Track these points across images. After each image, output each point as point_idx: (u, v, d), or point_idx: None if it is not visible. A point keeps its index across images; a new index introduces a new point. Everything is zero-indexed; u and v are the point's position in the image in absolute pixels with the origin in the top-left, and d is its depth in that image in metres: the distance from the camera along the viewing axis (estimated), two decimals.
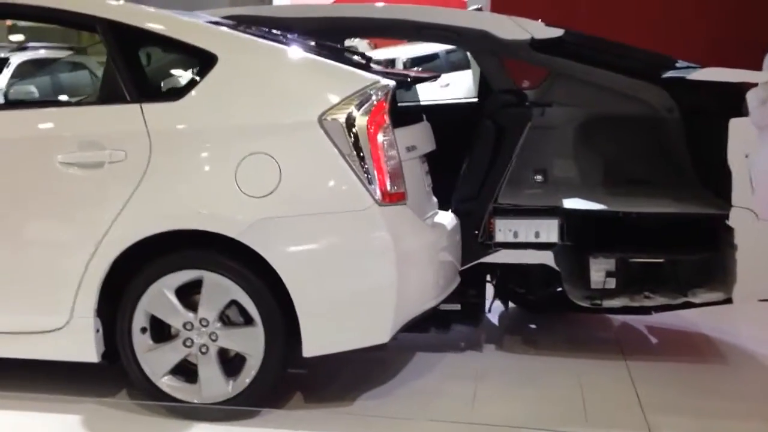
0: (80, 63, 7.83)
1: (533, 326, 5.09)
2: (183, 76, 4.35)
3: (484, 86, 5.29)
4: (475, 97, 5.49)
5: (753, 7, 6.95)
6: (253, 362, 3.62)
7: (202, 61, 3.70)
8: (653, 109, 4.93)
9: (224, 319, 3.66)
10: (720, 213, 4.16)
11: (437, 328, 4.47)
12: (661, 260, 4.43)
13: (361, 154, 3.50)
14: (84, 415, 3.77)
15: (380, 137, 3.55)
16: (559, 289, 4.45)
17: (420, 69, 11.11)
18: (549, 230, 4.39)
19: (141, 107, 3.62)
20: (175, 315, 3.65)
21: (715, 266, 4.36)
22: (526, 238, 4.41)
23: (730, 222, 4.10)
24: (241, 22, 4.28)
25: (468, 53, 6.62)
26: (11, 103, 4.75)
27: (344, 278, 3.57)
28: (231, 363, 3.69)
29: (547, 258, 4.38)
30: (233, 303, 3.62)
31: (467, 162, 4.54)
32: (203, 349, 3.64)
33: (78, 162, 3.62)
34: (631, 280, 4.44)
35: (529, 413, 3.82)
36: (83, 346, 3.68)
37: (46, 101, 5.23)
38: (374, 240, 3.56)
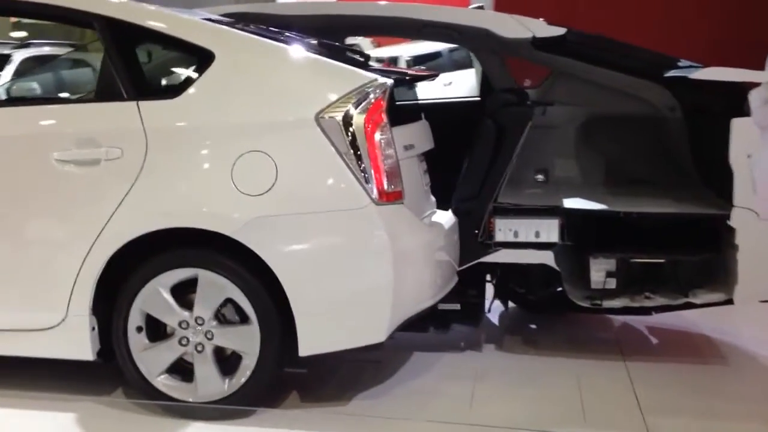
0: (83, 60, 7.84)
1: (533, 326, 5.07)
2: (180, 73, 4.33)
3: (485, 85, 5.27)
4: (477, 96, 5.46)
5: (755, 7, 6.92)
6: (248, 361, 3.61)
7: (200, 58, 3.69)
8: (655, 108, 4.91)
9: (220, 318, 3.65)
10: (721, 213, 4.13)
11: (436, 327, 4.45)
12: (661, 260, 4.41)
13: (358, 153, 3.49)
14: (79, 413, 3.76)
15: (377, 136, 3.53)
16: (560, 289, 4.43)
17: (422, 67, 11.10)
18: (549, 230, 4.36)
19: (137, 105, 3.61)
20: (171, 313, 3.64)
21: (717, 267, 4.33)
22: (527, 237, 4.38)
23: (732, 222, 4.07)
24: (241, 20, 4.27)
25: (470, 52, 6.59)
26: (8, 101, 4.75)
27: (340, 277, 3.55)
28: (227, 362, 3.68)
29: (547, 258, 4.36)
30: (229, 301, 3.61)
31: (468, 161, 4.52)
32: (199, 348, 3.63)
33: (74, 159, 3.61)
34: (632, 281, 4.41)
35: (527, 414, 3.80)
36: (78, 344, 3.68)
37: (43, 98, 5.21)
38: (371, 239, 3.54)
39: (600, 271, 4.37)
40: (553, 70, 5.09)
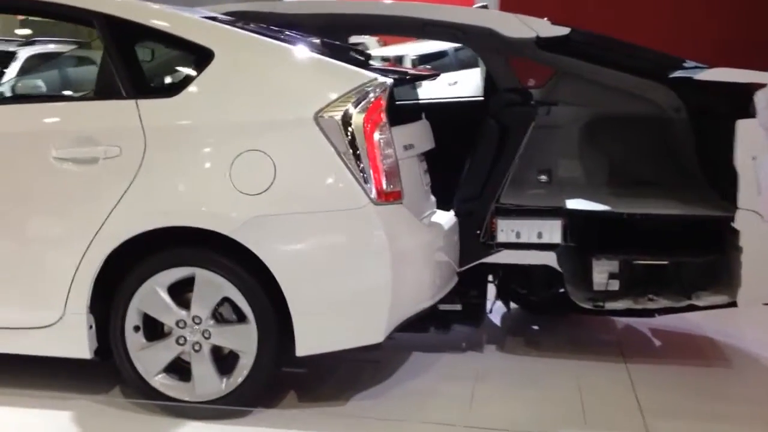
0: (82, 58, 7.84)
1: (535, 327, 5.04)
2: (179, 72, 4.32)
3: (489, 84, 5.24)
4: (481, 96, 5.43)
5: (762, 8, 6.87)
6: (246, 360, 3.60)
7: (199, 57, 3.68)
8: (660, 109, 4.87)
9: (217, 317, 3.64)
10: (725, 215, 4.10)
11: (437, 328, 4.43)
12: (665, 262, 4.38)
13: (357, 152, 3.47)
14: (76, 411, 3.76)
15: (377, 135, 3.51)
16: (562, 290, 4.40)
17: (428, 66, 11.05)
18: (552, 231, 4.33)
19: (136, 103, 3.60)
20: (168, 313, 3.63)
21: (720, 269, 4.30)
22: (529, 238, 4.35)
23: (736, 224, 4.03)
24: (242, 19, 4.25)
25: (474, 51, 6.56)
26: (7, 98, 4.75)
27: (338, 277, 3.53)
28: (225, 361, 3.67)
29: (549, 259, 4.32)
30: (226, 300, 3.60)
31: (470, 161, 4.49)
32: (196, 347, 3.62)
33: (72, 157, 3.61)
34: (635, 282, 4.39)
35: (526, 415, 3.78)
36: (76, 342, 3.67)
37: (42, 96, 5.21)
38: (369, 239, 3.53)
39: (603, 272, 4.34)
40: (557, 70, 5.06)
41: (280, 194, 3.46)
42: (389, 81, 3.61)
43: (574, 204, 4.43)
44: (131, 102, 3.61)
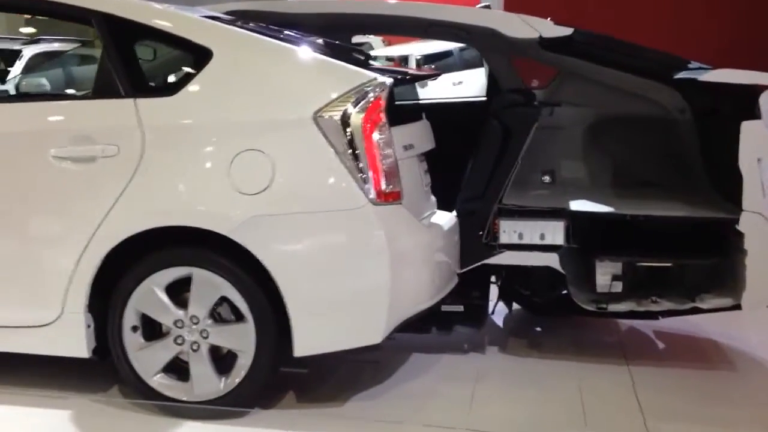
0: (82, 57, 7.86)
1: (538, 329, 5.01)
2: (178, 71, 4.32)
3: (492, 85, 5.22)
4: (484, 96, 5.41)
5: (765, 9, 6.82)
6: (244, 360, 3.59)
7: (197, 56, 3.67)
8: (664, 110, 4.83)
9: (215, 317, 3.63)
10: (730, 217, 4.06)
11: (439, 328, 4.42)
12: (668, 264, 4.34)
13: (356, 152, 3.45)
14: (75, 411, 3.76)
15: (376, 135, 3.49)
16: (565, 292, 4.38)
17: (432, 66, 11.03)
18: (554, 232, 4.31)
19: (135, 102, 3.59)
20: (166, 312, 3.62)
21: (724, 271, 4.26)
22: (531, 239, 4.33)
23: (740, 227, 4.00)
24: (243, 18, 4.24)
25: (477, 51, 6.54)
26: (7, 97, 4.74)
27: (337, 277, 3.52)
28: (223, 361, 3.66)
29: (552, 260, 4.30)
30: (224, 300, 3.58)
31: (473, 162, 4.47)
32: (194, 347, 3.61)
33: (71, 156, 3.60)
34: (638, 284, 4.35)
35: (526, 417, 3.76)
36: (74, 341, 3.67)
37: (40, 95, 5.20)
38: (368, 239, 3.51)
39: (606, 274, 4.31)
40: (561, 71, 5.02)
41: (279, 194, 3.45)
42: (389, 81, 3.59)
43: (577, 205, 4.40)
44: (129, 101, 3.60)
